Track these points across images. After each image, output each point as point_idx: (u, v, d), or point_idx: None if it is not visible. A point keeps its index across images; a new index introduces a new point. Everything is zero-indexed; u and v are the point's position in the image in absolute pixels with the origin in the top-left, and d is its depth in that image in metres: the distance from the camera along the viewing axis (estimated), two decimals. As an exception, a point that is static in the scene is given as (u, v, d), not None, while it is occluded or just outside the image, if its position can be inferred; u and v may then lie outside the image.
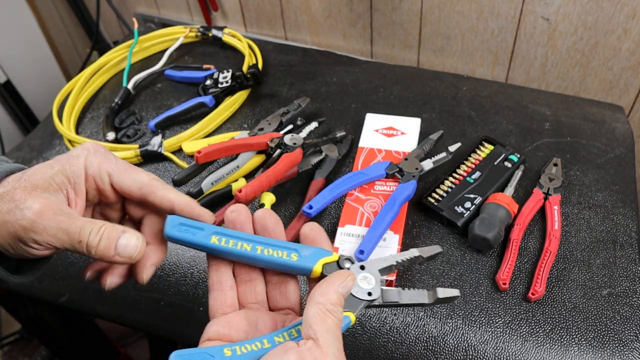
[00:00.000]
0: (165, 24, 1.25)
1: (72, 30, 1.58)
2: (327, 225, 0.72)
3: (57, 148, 0.89)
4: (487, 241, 0.65)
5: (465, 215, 0.69)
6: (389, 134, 0.80)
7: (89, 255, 0.39)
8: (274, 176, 0.71)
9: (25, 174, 0.40)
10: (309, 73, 0.97)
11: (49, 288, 0.73)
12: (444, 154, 0.76)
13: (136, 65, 1.02)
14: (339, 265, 0.42)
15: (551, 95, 0.90)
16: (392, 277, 0.64)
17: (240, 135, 0.80)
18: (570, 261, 0.66)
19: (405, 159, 0.74)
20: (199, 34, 1.05)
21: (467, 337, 0.61)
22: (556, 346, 0.59)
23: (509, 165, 0.75)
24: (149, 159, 0.83)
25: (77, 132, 0.90)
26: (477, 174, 0.74)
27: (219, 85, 0.90)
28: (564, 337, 0.60)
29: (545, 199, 0.71)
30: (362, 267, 0.42)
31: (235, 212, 0.42)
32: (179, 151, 0.84)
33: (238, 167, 0.75)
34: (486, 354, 0.59)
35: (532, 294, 0.62)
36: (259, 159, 0.78)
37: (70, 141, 0.87)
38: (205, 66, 0.97)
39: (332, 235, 0.68)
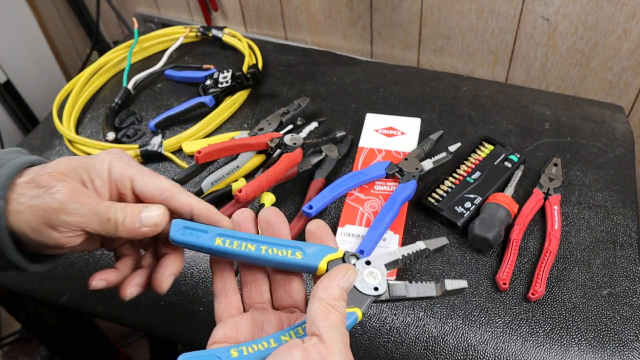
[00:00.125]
0: (165, 24, 1.25)
1: (72, 30, 1.58)
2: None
3: (57, 148, 0.89)
4: (487, 241, 0.65)
5: (465, 215, 0.69)
6: (389, 134, 0.80)
7: (115, 233, 0.40)
8: (274, 176, 0.71)
9: (48, 165, 0.41)
10: (309, 73, 0.97)
11: (49, 288, 0.73)
12: (444, 154, 0.76)
13: (136, 65, 1.02)
14: (344, 261, 0.41)
15: (551, 95, 0.90)
16: (392, 278, 0.64)
17: (240, 135, 0.80)
18: (570, 261, 0.66)
19: (405, 159, 0.74)
20: (199, 34, 1.05)
21: (467, 337, 0.61)
22: (556, 346, 0.59)
23: (509, 165, 0.75)
24: (149, 159, 0.83)
25: (77, 132, 0.90)
26: (477, 174, 0.74)
27: (219, 85, 0.90)
28: (564, 337, 0.60)
29: (545, 199, 0.72)
30: (368, 263, 0.42)
31: (241, 214, 0.43)
32: (179, 151, 0.84)
33: (238, 167, 0.75)
34: (486, 354, 0.59)
35: (532, 294, 0.62)
36: (259, 159, 0.78)
37: (70, 141, 0.87)
38: (205, 66, 0.97)
39: (332, 235, 0.68)
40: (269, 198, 0.72)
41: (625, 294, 0.63)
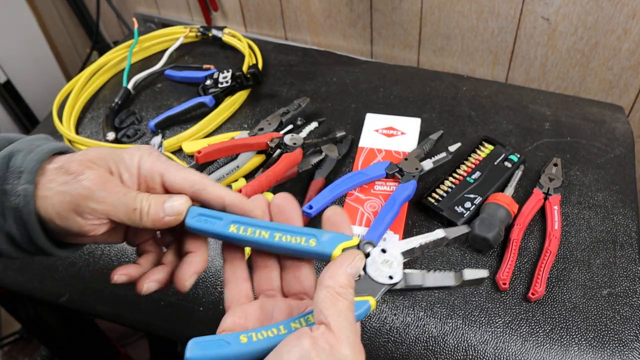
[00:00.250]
0: (165, 24, 1.25)
1: (72, 30, 1.58)
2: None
3: (57, 148, 0.89)
4: (487, 241, 0.65)
5: (465, 215, 0.69)
6: (389, 134, 0.80)
7: (140, 223, 0.40)
8: (274, 176, 0.71)
9: (77, 153, 0.41)
10: (309, 73, 0.97)
11: (49, 288, 0.73)
12: (444, 154, 0.76)
13: (136, 65, 1.02)
14: (359, 249, 0.40)
15: (551, 95, 0.90)
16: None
17: (240, 135, 0.80)
18: (570, 261, 0.66)
19: (405, 159, 0.74)
20: (199, 34, 1.05)
21: (467, 337, 0.61)
22: (556, 346, 0.59)
23: (509, 165, 0.75)
24: (149, 159, 0.83)
25: (77, 132, 0.90)
26: (477, 174, 0.74)
27: (219, 85, 0.90)
28: (564, 337, 0.60)
29: (545, 199, 0.71)
30: (384, 250, 0.41)
31: (255, 200, 0.43)
32: (179, 151, 0.84)
33: (238, 167, 0.75)
34: (486, 354, 0.59)
35: (532, 294, 0.62)
36: (259, 159, 0.78)
37: (70, 141, 0.87)
38: (205, 66, 0.97)
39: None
40: (269, 198, 0.72)
41: (625, 294, 0.63)
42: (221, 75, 0.91)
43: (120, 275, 0.43)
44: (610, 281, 0.64)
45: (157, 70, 0.98)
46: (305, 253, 0.41)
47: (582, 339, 0.59)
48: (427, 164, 0.74)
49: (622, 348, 0.59)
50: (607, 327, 0.60)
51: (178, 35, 1.04)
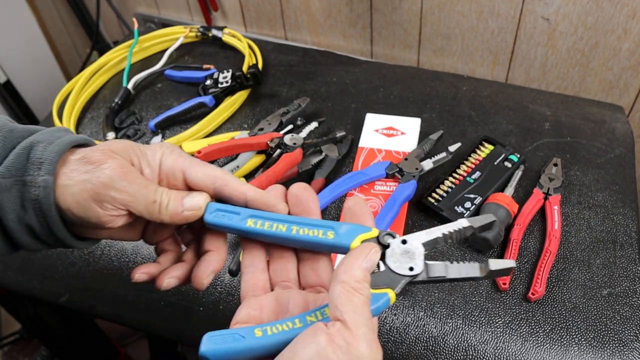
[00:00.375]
0: (165, 24, 1.25)
1: (72, 30, 1.58)
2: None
3: (57, 148, 0.89)
4: (487, 241, 0.65)
5: (465, 216, 0.69)
6: (389, 134, 0.80)
7: (158, 216, 0.40)
8: (274, 176, 0.71)
9: (100, 144, 0.41)
10: (309, 73, 0.97)
11: (49, 288, 0.73)
12: (444, 154, 0.76)
13: (136, 65, 1.02)
14: (378, 241, 0.39)
15: (551, 95, 0.90)
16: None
17: (240, 135, 0.80)
18: (570, 261, 0.66)
19: (405, 159, 0.74)
20: (199, 34, 1.05)
21: (467, 337, 0.61)
22: (556, 346, 0.59)
23: (509, 165, 0.75)
24: (149, 159, 0.83)
25: (77, 132, 0.90)
26: (477, 174, 0.74)
27: (219, 85, 0.90)
28: (564, 337, 0.60)
29: (545, 199, 0.72)
30: (404, 242, 0.39)
31: (272, 190, 0.43)
32: (179, 151, 0.84)
33: (238, 167, 0.75)
34: (486, 354, 0.59)
35: (532, 294, 0.62)
36: (259, 159, 0.78)
37: (70, 141, 0.87)
38: (205, 66, 0.97)
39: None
40: (269, 198, 0.72)
41: (625, 294, 0.63)
42: (221, 75, 0.91)
43: (141, 274, 0.43)
44: (610, 281, 0.64)
45: (157, 70, 0.98)
46: (323, 246, 0.40)
47: (582, 339, 0.59)
48: (427, 164, 0.74)
49: (622, 348, 0.59)
50: (607, 327, 0.60)
51: (178, 35, 1.04)
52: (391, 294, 0.36)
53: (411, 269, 0.38)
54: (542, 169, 0.76)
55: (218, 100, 0.89)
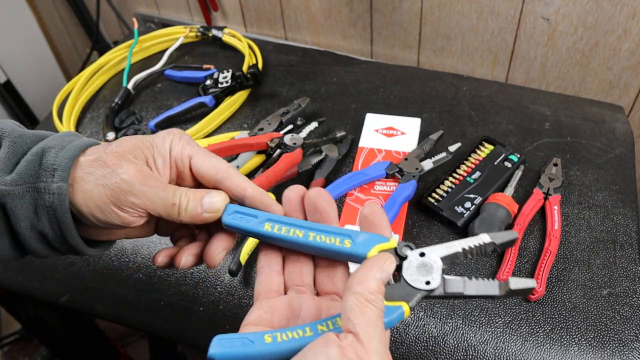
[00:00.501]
0: (165, 24, 1.25)
1: (72, 30, 1.58)
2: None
3: (57, 148, 0.89)
4: (487, 241, 0.65)
5: (465, 215, 0.69)
6: (389, 134, 0.80)
7: (178, 218, 0.41)
8: (274, 176, 0.71)
9: (112, 144, 0.41)
10: (309, 73, 0.97)
11: (49, 288, 0.73)
12: (444, 154, 0.76)
13: (136, 65, 1.02)
14: (396, 252, 0.38)
15: (551, 95, 0.90)
16: None
17: (240, 135, 0.80)
18: (570, 261, 0.66)
19: (405, 159, 0.74)
20: (199, 34, 1.05)
21: (467, 337, 0.61)
22: (556, 346, 0.59)
23: (509, 165, 0.75)
24: (149, 159, 0.83)
25: (77, 132, 0.90)
26: (477, 174, 0.74)
27: (219, 85, 0.90)
28: (564, 337, 0.60)
29: (545, 199, 0.71)
30: (422, 254, 0.38)
31: (292, 192, 0.43)
32: (179, 151, 0.84)
33: (238, 167, 0.75)
34: (486, 354, 0.59)
35: (532, 294, 0.62)
36: (259, 159, 0.78)
37: (70, 141, 0.87)
38: (205, 66, 0.97)
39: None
40: (269, 198, 0.72)
41: (625, 294, 0.63)
42: (221, 75, 0.91)
43: (163, 257, 0.44)
44: (610, 281, 0.64)
45: (157, 70, 0.98)
46: (339, 254, 0.40)
47: (582, 339, 0.59)
48: (427, 164, 0.74)
49: (622, 348, 0.59)
50: (607, 327, 0.60)
51: (178, 35, 1.04)
52: (405, 308, 0.36)
53: (428, 282, 0.37)
54: (542, 169, 0.76)
55: (218, 100, 0.89)
